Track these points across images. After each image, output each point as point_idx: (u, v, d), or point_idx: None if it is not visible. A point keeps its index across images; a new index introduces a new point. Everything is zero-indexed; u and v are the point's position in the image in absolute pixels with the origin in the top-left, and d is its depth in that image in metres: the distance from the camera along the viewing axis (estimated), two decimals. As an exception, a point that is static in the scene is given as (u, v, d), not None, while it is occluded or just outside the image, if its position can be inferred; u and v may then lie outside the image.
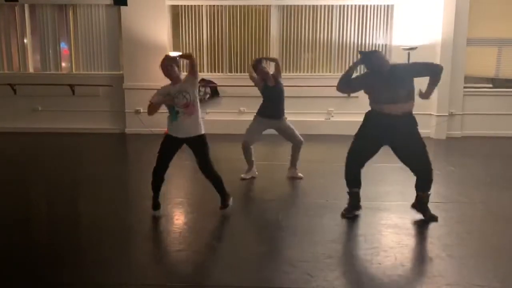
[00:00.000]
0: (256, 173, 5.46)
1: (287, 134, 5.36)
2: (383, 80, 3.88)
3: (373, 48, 8.69)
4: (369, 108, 4.09)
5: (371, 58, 4.01)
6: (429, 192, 4.02)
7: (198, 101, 4.03)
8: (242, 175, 5.39)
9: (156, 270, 3.19)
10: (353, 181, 4.09)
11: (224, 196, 4.13)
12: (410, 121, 3.92)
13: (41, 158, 6.79)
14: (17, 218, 4.21)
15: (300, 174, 5.41)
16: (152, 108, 3.97)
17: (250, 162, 5.39)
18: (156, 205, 4.09)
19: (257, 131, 5.33)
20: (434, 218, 3.98)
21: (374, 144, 3.99)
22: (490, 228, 3.94)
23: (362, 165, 4.06)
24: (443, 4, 8.09)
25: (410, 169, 4.02)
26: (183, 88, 3.96)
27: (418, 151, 3.92)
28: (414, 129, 3.94)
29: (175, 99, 3.92)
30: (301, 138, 5.33)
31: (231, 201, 4.16)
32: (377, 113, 3.94)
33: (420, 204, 4.04)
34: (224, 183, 4.13)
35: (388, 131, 3.88)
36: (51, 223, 4.17)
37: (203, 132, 4.04)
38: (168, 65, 3.98)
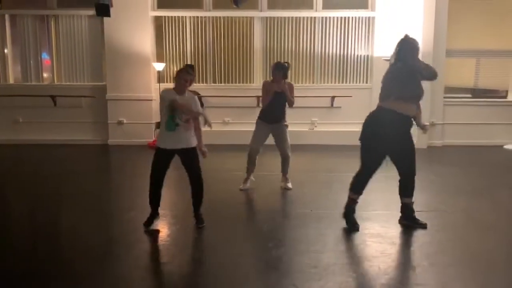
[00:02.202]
0: (253, 179, 5.43)
1: (280, 139, 5.32)
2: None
3: (357, 58, 8.84)
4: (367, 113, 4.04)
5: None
6: (411, 199, 4.10)
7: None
8: (240, 187, 5.36)
9: (139, 283, 3.15)
10: (363, 187, 4.10)
11: (200, 216, 4.12)
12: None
13: (22, 170, 6.67)
14: (-4, 232, 4.13)
15: (288, 185, 5.39)
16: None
17: (250, 171, 5.35)
18: (150, 223, 4.04)
19: (262, 137, 5.31)
20: (423, 226, 4.05)
21: (387, 145, 3.94)
22: (471, 236, 4.00)
23: (374, 172, 4.04)
24: (423, 16, 8.28)
25: (399, 171, 4.07)
26: (190, 101, 3.95)
27: (410, 153, 4.02)
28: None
29: (174, 110, 3.88)
30: (288, 152, 5.29)
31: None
32: (403, 117, 3.87)
33: (409, 213, 4.10)
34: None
35: (399, 132, 3.90)
36: (32, 235, 4.08)
37: (195, 144, 4.03)
38: (189, 75, 3.96)
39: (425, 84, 8.89)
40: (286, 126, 5.34)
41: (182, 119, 3.92)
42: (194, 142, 4.03)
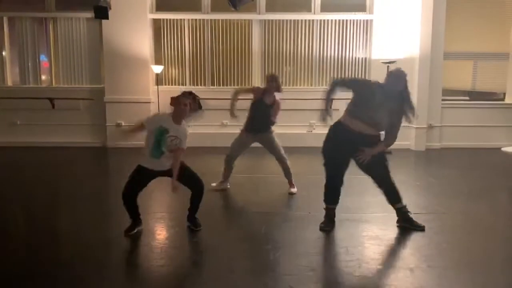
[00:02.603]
0: (228, 186, 5.43)
1: (269, 146, 5.35)
2: (380, 97, 3.82)
3: (354, 61, 8.86)
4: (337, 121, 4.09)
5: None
6: (400, 204, 4.09)
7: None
8: (213, 184, 5.36)
9: (137, 286, 3.15)
10: (331, 197, 4.13)
11: (195, 219, 4.07)
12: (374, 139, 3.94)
13: (20, 173, 6.66)
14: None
15: (292, 190, 5.34)
16: (137, 129, 3.89)
17: (226, 175, 5.38)
18: (131, 230, 3.94)
19: (244, 146, 5.35)
20: (421, 228, 4.05)
21: (344, 156, 4.00)
22: (469, 238, 4.00)
23: (341, 181, 4.08)
24: (420, 19, 8.31)
25: (374, 183, 4.10)
26: (181, 134, 3.83)
27: (379, 165, 3.98)
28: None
29: (168, 139, 3.79)
30: (283, 155, 5.29)
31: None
32: (345, 129, 3.93)
33: (403, 216, 4.11)
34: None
35: (352, 144, 3.92)
36: (29, 237, 4.07)
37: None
38: (186, 103, 3.84)
39: (423, 87, 8.89)
40: (271, 132, 5.32)
41: (168, 149, 3.81)
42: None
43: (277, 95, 5.28)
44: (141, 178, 3.91)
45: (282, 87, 5.36)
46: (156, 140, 3.83)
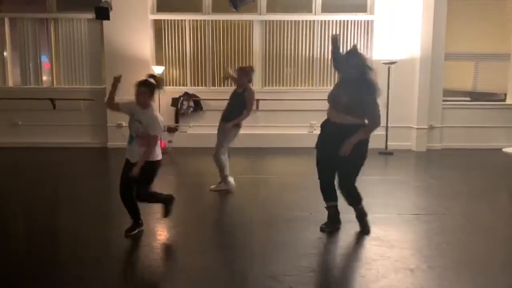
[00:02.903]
0: (230, 186, 5.36)
1: (219, 136, 5.28)
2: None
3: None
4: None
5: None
6: (359, 206, 4.04)
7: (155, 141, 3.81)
8: (212, 187, 5.35)
9: (137, 286, 3.15)
10: (327, 194, 4.12)
11: (166, 204, 4.02)
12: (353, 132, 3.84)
13: (21, 173, 6.67)
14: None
15: (216, 187, 5.29)
16: (112, 104, 3.92)
17: (221, 173, 5.29)
18: (131, 230, 3.92)
19: (217, 135, 5.35)
20: (366, 232, 4.00)
21: (330, 149, 3.93)
22: (469, 238, 4.00)
23: (332, 177, 4.05)
24: (421, 20, 8.31)
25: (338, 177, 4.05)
26: (146, 119, 3.76)
27: (354, 163, 3.89)
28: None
29: (134, 124, 3.81)
30: (216, 152, 5.21)
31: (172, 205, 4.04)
32: (328, 122, 4.00)
33: (360, 216, 4.07)
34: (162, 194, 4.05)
35: (336, 137, 3.87)
36: (30, 238, 4.08)
37: (154, 159, 3.83)
38: (142, 91, 3.79)
39: (424, 87, 8.88)
40: (229, 127, 5.21)
41: (133, 133, 3.81)
42: (152, 157, 3.82)
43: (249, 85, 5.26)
44: (124, 171, 3.91)
45: (252, 78, 5.33)
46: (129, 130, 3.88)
